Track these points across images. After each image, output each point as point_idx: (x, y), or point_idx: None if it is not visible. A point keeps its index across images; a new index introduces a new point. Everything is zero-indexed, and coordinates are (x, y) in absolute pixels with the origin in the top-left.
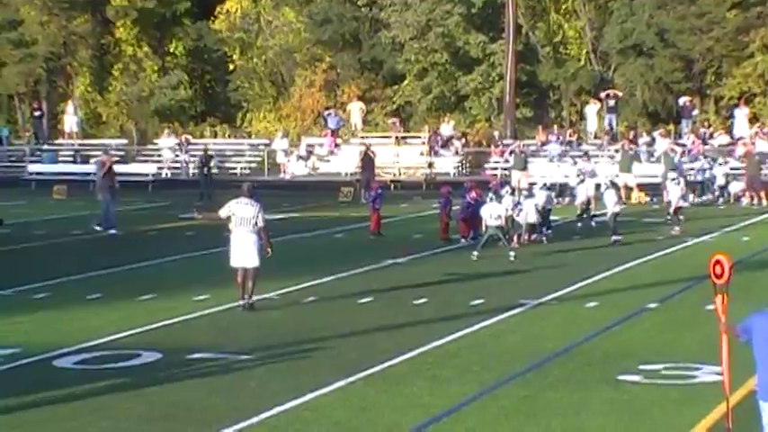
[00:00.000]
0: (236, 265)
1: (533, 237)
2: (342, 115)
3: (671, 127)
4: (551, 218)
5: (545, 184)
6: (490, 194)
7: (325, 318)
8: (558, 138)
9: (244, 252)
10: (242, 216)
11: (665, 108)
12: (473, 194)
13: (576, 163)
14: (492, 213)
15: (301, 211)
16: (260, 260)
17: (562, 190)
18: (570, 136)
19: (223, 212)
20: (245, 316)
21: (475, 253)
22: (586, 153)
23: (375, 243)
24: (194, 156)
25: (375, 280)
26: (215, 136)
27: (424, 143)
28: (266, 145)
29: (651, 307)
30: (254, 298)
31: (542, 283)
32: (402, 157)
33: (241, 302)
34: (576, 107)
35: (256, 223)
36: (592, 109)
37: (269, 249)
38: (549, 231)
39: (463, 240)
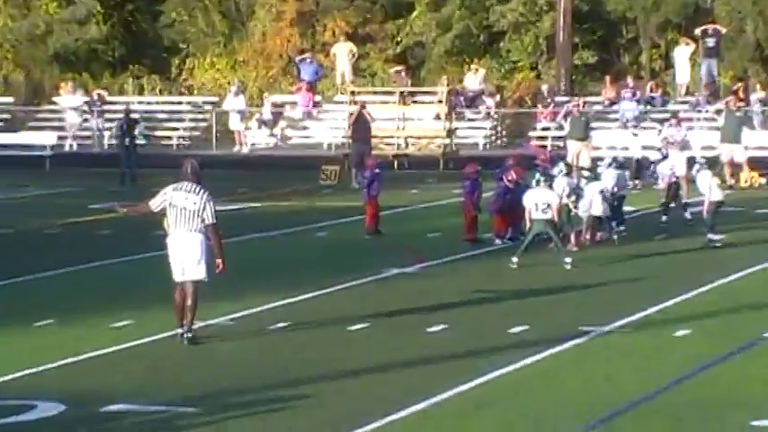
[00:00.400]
0: (178, 279)
1: (599, 235)
2: (323, 62)
3: None
4: (624, 208)
5: (615, 160)
6: (537, 176)
7: (301, 352)
8: (635, 94)
9: (184, 260)
10: (182, 208)
11: None
12: (512, 175)
13: (660, 130)
14: (539, 202)
15: (266, 200)
16: (207, 271)
17: (640, 168)
18: (652, 91)
19: (155, 203)
20: (186, 351)
21: (514, 259)
22: (675, 115)
23: (372, 245)
24: (111, 120)
25: (372, 298)
26: (140, 92)
27: (441, 102)
28: (214, 104)
29: None
30: (197, 325)
31: (612, 303)
32: (410, 123)
33: (179, 331)
34: (660, 49)
35: (203, 219)
36: (682, 52)
37: (220, 262)
38: (622, 228)
39: (498, 241)
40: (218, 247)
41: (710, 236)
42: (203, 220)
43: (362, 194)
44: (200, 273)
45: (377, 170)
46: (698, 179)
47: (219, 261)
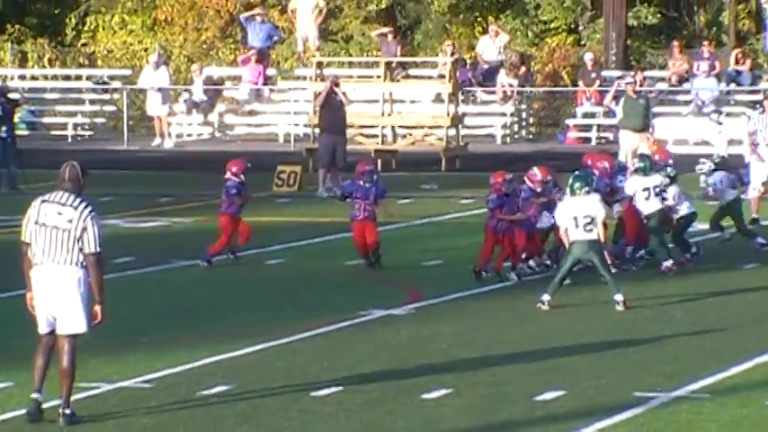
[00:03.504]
0: (44, 331)
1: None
2: (278, 22)
3: None
4: (698, 225)
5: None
6: (576, 181)
7: (246, 427)
8: (713, 67)
9: (54, 305)
10: (52, 228)
11: None
12: (537, 179)
13: (749, 117)
14: (578, 216)
15: (198, 214)
16: (88, 321)
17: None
18: (737, 63)
19: (25, 232)
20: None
21: (545, 297)
22: None
23: (347, 278)
24: None
25: (346, 351)
26: (23, 62)
27: (443, 77)
28: (126, 80)
29: None
30: (76, 397)
31: (680, 359)
32: (400, 107)
33: (37, 403)
34: (750, 4)
35: (81, 248)
36: None
37: (98, 310)
38: (696, 250)
39: (514, 277)
40: (98, 288)
41: None
42: (81, 249)
43: (352, 210)
44: (77, 324)
45: (372, 175)
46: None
47: (98, 309)
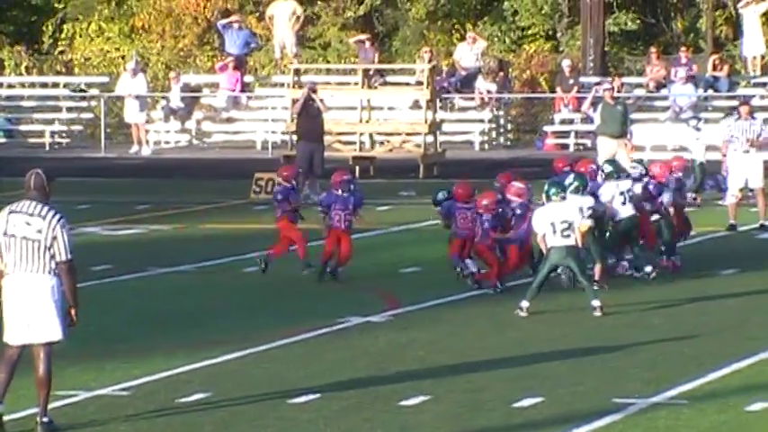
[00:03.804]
0: (14, 342)
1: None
2: (256, 29)
3: None
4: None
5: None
6: (552, 187)
7: None
8: (689, 71)
9: (28, 314)
10: (22, 238)
11: None
12: (523, 191)
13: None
14: (555, 222)
15: (176, 222)
16: (63, 328)
17: (703, 177)
18: (715, 69)
19: None
20: None
21: (524, 304)
22: (746, 102)
23: (325, 285)
24: None
25: (324, 359)
26: (0, 70)
27: (420, 84)
28: (103, 87)
29: None
30: (54, 405)
31: (659, 365)
32: (378, 113)
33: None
34: (728, 10)
35: (53, 255)
36: (753, 13)
37: (72, 312)
38: (675, 258)
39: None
40: (72, 295)
41: None
42: (53, 257)
43: (324, 223)
44: (52, 332)
45: (350, 185)
46: None
47: (72, 312)
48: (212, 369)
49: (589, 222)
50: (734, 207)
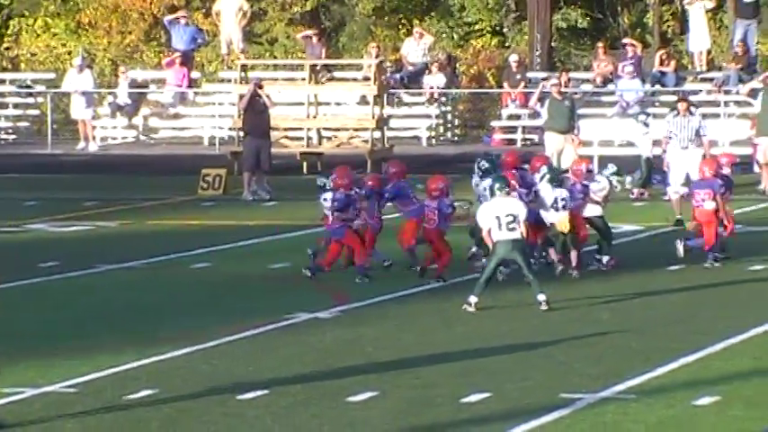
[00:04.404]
0: None
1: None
2: (202, 24)
3: None
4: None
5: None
6: (497, 182)
7: (172, 431)
8: (636, 67)
9: None
10: None
11: None
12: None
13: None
14: (501, 216)
15: (123, 218)
16: None
17: (649, 173)
18: (662, 64)
19: None
20: None
21: (472, 299)
22: (684, 98)
23: (272, 281)
24: None
25: (272, 355)
26: None
27: (368, 80)
28: (50, 83)
29: None
30: None
31: (606, 359)
32: (325, 109)
33: None
34: (674, 5)
35: None
36: (698, 8)
37: None
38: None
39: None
40: None
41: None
42: None
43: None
44: None
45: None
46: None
47: None
48: (160, 365)
49: (566, 216)
50: (678, 202)
